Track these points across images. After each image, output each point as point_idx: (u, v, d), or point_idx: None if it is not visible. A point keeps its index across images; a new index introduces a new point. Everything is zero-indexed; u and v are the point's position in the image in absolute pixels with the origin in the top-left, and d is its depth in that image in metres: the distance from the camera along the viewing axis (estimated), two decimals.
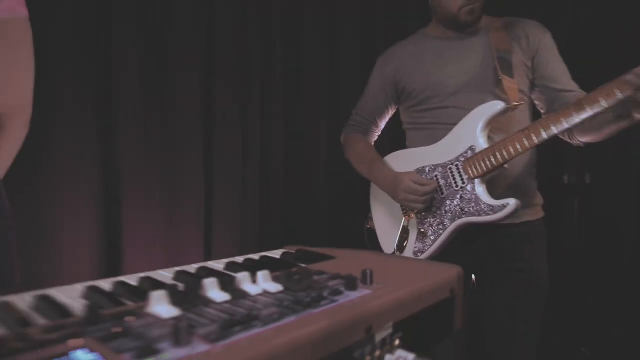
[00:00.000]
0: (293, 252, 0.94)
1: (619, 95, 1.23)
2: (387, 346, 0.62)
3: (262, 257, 0.90)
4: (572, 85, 1.52)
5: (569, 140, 1.53)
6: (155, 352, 0.43)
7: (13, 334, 0.45)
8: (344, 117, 1.87)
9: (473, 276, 1.58)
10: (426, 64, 1.61)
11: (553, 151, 1.60)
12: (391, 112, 1.78)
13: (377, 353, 0.60)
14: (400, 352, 0.61)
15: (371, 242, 1.72)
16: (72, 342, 0.44)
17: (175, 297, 0.56)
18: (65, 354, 0.41)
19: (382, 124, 1.81)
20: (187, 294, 0.58)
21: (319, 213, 2.31)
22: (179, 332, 0.44)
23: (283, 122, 2.22)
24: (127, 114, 1.77)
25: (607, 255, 2.30)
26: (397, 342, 0.64)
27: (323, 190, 2.33)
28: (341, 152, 1.84)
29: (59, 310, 0.56)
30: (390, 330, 0.63)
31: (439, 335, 0.76)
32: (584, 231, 2.29)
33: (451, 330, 0.78)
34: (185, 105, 1.92)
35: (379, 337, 0.61)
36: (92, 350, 0.43)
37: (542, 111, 1.59)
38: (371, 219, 1.74)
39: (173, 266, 0.80)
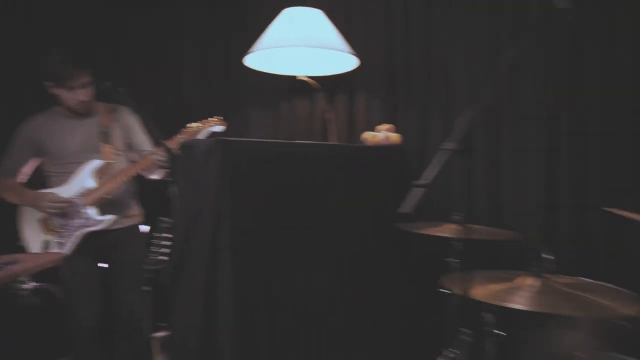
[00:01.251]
0: None
1: (153, 158, 2.33)
2: (31, 283, 2.93)
3: None
4: (147, 147, 2.50)
5: (144, 176, 2.47)
6: None
7: None
8: None
9: (104, 265, 2.50)
10: (57, 133, 2.40)
11: None
12: (31, 163, 2.46)
13: (26, 285, 2.92)
14: (31, 284, 2.96)
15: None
16: None
17: None
18: None
19: (24, 170, 2.46)
20: None
21: None
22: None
23: None
24: None
25: None
26: (32, 282, 2.92)
27: None
28: None
29: None
30: (30, 278, 2.92)
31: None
32: None
33: (59, 278, 2.89)
34: None
35: (26, 280, 2.95)
36: None
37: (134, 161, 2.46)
38: (20, 238, 2.44)
39: None
